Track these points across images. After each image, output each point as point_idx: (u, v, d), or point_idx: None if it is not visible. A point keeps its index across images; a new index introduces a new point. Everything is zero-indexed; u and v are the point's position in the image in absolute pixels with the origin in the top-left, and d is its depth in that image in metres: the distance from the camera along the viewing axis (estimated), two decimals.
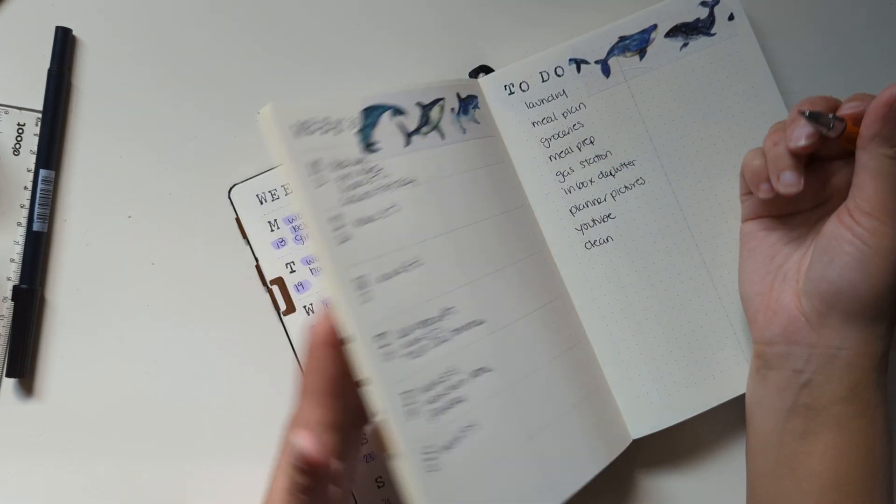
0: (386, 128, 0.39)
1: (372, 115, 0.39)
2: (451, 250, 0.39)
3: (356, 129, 0.38)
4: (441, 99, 0.41)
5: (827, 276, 0.36)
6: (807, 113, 0.36)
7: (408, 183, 0.39)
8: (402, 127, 0.40)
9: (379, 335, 0.35)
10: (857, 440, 0.36)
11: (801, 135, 0.36)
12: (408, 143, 0.40)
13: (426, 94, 0.41)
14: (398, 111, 0.40)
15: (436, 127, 0.41)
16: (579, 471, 0.40)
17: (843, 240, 0.35)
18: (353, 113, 0.38)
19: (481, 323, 0.39)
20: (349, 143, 0.37)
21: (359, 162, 0.37)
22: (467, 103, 0.42)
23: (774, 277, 0.39)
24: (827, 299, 0.36)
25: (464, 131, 0.42)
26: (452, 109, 0.42)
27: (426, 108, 0.41)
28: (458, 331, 0.38)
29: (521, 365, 0.39)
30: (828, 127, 0.36)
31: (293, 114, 0.36)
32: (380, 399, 0.34)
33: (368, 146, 0.38)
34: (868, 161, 0.35)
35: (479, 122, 0.43)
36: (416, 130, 0.40)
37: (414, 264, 0.37)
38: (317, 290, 0.44)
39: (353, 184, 0.37)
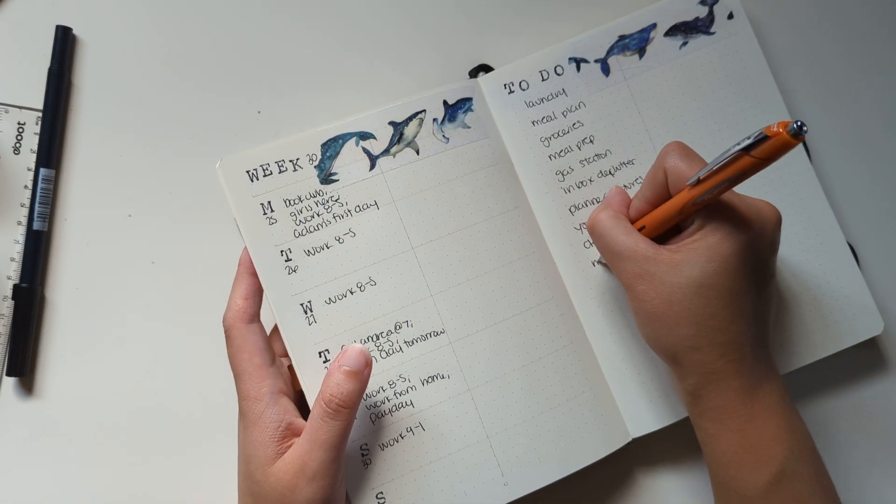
0: (350, 155, 0.42)
1: (332, 146, 0.42)
2: (414, 266, 0.42)
3: (315, 164, 0.41)
4: (421, 112, 0.42)
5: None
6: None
7: (367, 207, 0.42)
8: (368, 151, 0.42)
9: (321, 352, 0.40)
10: (714, 466, 0.39)
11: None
12: (373, 166, 0.42)
13: (402, 111, 0.42)
14: (365, 136, 0.42)
15: (409, 143, 0.42)
16: (544, 468, 0.41)
17: None
18: (313, 148, 0.41)
19: (440, 333, 0.41)
20: (307, 177, 0.41)
21: (315, 195, 0.41)
22: (456, 109, 0.43)
23: None
24: None
25: (446, 141, 0.43)
26: (435, 120, 0.43)
27: (400, 126, 0.42)
28: (412, 342, 0.41)
29: (487, 370, 0.42)
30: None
31: (244, 162, 0.41)
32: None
33: (327, 178, 0.41)
34: None
35: (469, 127, 0.43)
36: (385, 151, 0.42)
37: (366, 285, 0.41)
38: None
39: (306, 216, 0.41)
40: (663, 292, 0.36)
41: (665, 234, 0.38)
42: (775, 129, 0.30)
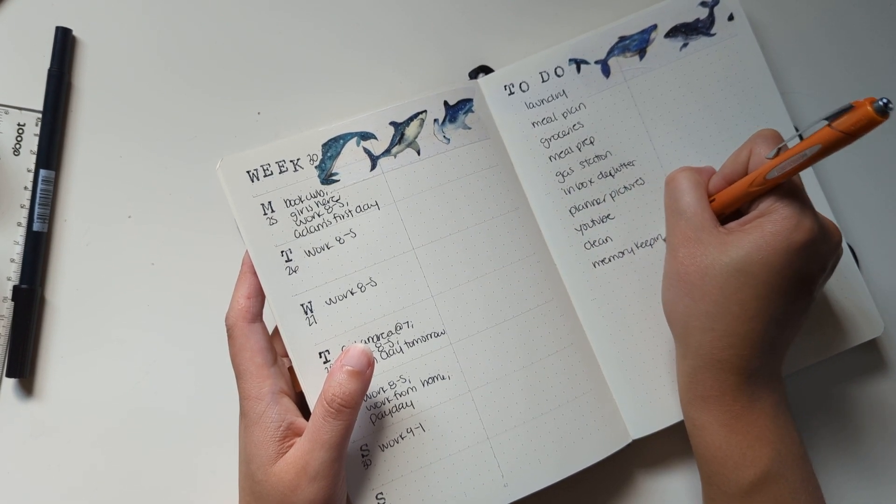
0: (351, 156, 0.42)
1: (333, 146, 0.42)
2: (415, 266, 0.42)
3: (316, 164, 0.41)
4: (422, 112, 0.42)
5: None
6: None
7: (368, 208, 0.42)
8: (369, 152, 0.42)
9: (321, 353, 0.40)
10: (699, 459, 0.39)
11: None
12: (373, 167, 0.42)
13: (402, 111, 0.43)
14: (366, 136, 0.42)
15: (410, 144, 0.42)
16: (544, 469, 0.41)
17: None
18: (313, 148, 0.41)
19: (441, 334, 0.41)
20: (308, 178, 0.41)
21: (316, 195, 0.41)
22: (457, 109, 0.43)
23: None
24: None
25: (447, 141, 0.43)
26: (436, 120, 0.43)
27: (401, 126, 0.42)
28: (412, 343, 0.41)
29: (488, 371, 0.42)
30: None
31: (245, 162, 0.41)
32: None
33: (328, 178, 0.41)
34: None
35: (470, 128, 0.43)
36: (386, 152, 0.42)
37: (367, 285, 0.41)
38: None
39: (307, 217, 0.41)
40: (702, 263, 0.37)
41: (729, 220, 0.38)
42: (861, 103, 0.29)
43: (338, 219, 0.41)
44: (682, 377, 0.39)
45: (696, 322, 0.37)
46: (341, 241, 0.41)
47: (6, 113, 0.45)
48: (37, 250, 0.44)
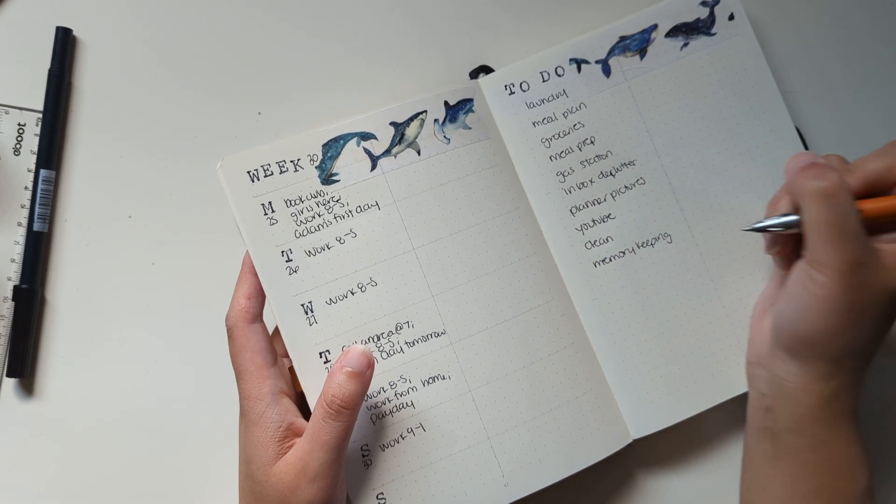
0: (351, 156, 0.42)
1: (333, 147, 0.42)
2: (415, 266, 0.42)
3: (316, 164, 0.41)
4: (422, 112, 0.42)
5: (781, 312, 0.38)
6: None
7: (368, 208, 0.42)
8: (369, 152, 0.42)
9: (322, 353, 0.40)
10: (808, 473, 0.38)
11: (766, 246, 0.40)
12: (374, 167, 0.42)
13: (403, 111, 0.42)
14: (366, 136, 0.42)
15: (411, 144, 0.42)
16: (545, 469, 0.41)
17: (794, 282, 0.37)
18: (314, 149, 0.41)
19: (441, 334, 0.41)
20: (308, 178, 0.41)
21: (316, 195, 0.41)
22: (457, 109, 0.43)
23: (770, 304, 0.41)
24: (776, 332, 0.39)
25: (448, 141, 0.43)
26: (436, 120, 0.43)
27: (401, 126, 0.42)
28: (413, 343, 0.41)
29: (488, 371, 0.42)
30: (784, 228, 0.37)
31: (245, 163, 0.41)
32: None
33: (328, 178, 0.41)
34: (805, 214, 0.36)
35: (470, 128, 0.43)
36: (387, 152, 0.42)
37: (367, 285, 0.41)
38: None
39: (307, 217, 0.41)
40: (873, 290, 0.35)
41: None
42: None
43: (338, 219, 0.41)
44: (817, 397, 0.37)
45: (859, 347, 0.36)
46: (342, 241, 0.41)
47: (6, 113, 0.45)
48: (37, 250, 0.44)
